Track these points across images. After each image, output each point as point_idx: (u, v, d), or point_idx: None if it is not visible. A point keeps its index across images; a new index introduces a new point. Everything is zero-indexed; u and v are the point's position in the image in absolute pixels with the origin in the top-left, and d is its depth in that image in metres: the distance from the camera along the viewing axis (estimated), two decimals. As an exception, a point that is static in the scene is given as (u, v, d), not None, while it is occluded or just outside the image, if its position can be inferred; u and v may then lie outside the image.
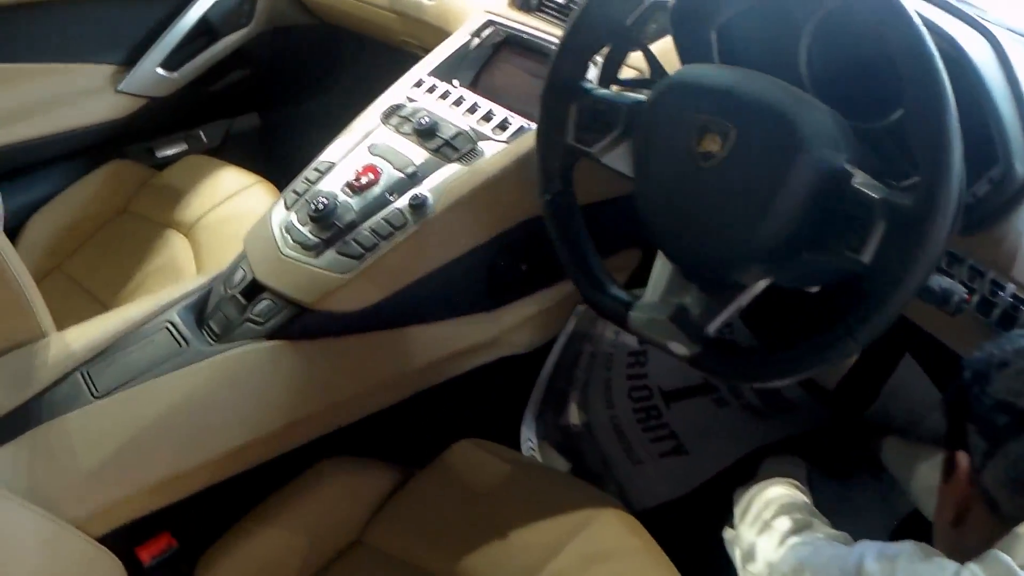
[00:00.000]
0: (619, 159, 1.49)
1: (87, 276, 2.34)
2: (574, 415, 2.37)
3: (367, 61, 3.02)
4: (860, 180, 1.22)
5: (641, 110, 1.45)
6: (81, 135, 2.65)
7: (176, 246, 2.37)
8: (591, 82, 1.55)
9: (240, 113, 3.12)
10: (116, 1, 2.66)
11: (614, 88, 1.58)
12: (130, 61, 2.71)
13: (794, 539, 1.40)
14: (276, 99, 3.10)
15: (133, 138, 2.81)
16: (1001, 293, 1.51)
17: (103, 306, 2.20)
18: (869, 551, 1.21)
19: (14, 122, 2.44)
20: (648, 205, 1.44)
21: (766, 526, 1.50)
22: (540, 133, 1.59)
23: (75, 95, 2.60)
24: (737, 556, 1.52)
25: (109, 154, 2.72)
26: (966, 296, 1.38)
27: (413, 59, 2.17)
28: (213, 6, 2.77)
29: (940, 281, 1.35)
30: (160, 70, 2.74)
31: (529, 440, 2.25)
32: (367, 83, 2.23)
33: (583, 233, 1.58)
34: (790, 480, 1.67)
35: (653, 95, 1.42)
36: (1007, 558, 1.02)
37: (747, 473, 1.74)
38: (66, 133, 2.59)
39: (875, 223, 1.19)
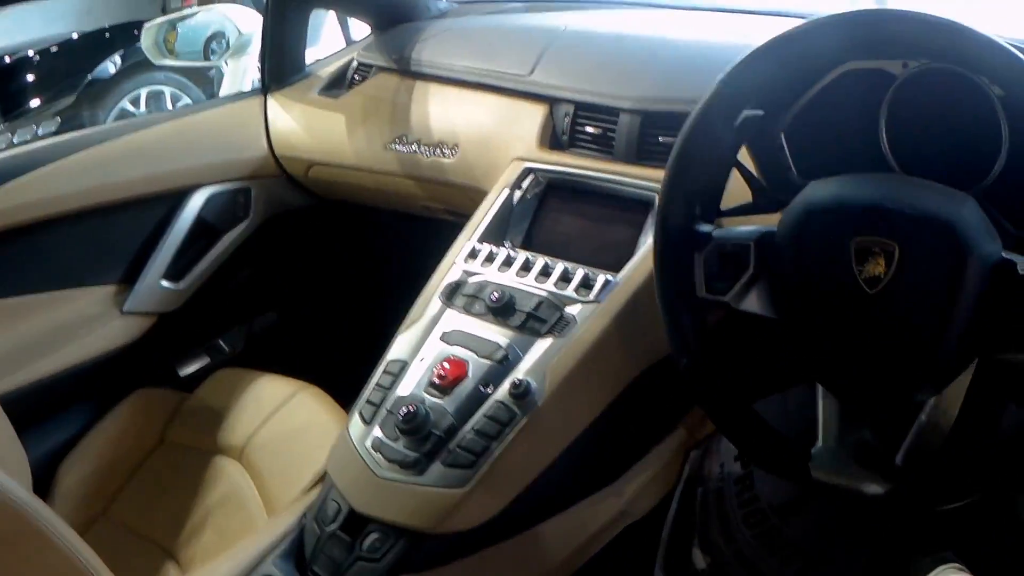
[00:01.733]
0: (757, 302, 1.38)
1: (138, 520, 2.17)
2: (700, 561, 2.23)
3: (380, 234, 2.95)
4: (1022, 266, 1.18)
5: (774, 243, 1.34)
6: (94, 367, 2.50)
7: (231, 473, 2.22)
8: (706, 225, 1.43)
9: (257, 314, 3.02)
10: (103, 215, 2.55)
11: (721, 222, 1.47)
12: (130, 279, 2.60)
13: None
14: (292, 292, 3.01)
15: (150, 361, 2.67)
16: None
17: (163, 550, 2.05)
18: None
19: (18, 364, 2.31)
20: (807, 343, 1.34)
21: None
22: (663, 293, 1.47)
23: (79, 324, 2.47)
24: None
25: (128, 384, 2.55)
26: None
27: (434, 223, 2.14)
28: (207, 204, 2.66)
29: None
30: (164, 282, 2.62)
31: None
32: (385, 257, 2.32)
33: (713, 374, 1.46)
34: (956, 566, 1.60)
35: (790, 225, 1.32)
36: None
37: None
38: (77, 367, 2.44)
39: None
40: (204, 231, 2.65)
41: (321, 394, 2.24)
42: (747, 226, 1.41)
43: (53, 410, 2.40)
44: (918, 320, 1.22)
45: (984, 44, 1.18)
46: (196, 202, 2.60)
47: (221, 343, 2.86)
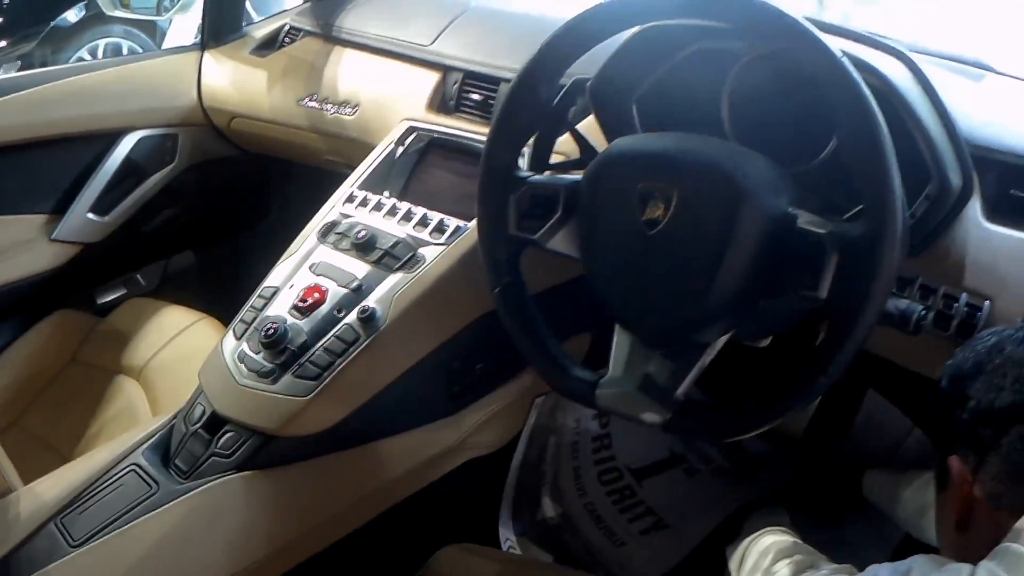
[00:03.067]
0: (563, 242, 1.52)
1: (45, 429, 2.33)
2: (549, 508, 2.37)
3: (294, 185, 3.09)
4: (805, 219, 1.27)
5: (579, 190, 1.48)
6: (19, 288, 2.66)
7: (129, 391, 2.38)
8: (525, 171, 1.59)
9: (175, 252, 3.16)
10: (40, 149, 2.69)
11: (548, 173, 1.63)
12: (60, 209, 2.74)
13: None
14: (209, 234, 3.15)
15: (72, 286, 2.83)
16: (956, 304, 1.58)
17: (64, 458, 2.16)
18: (882, 572, 1.21)
19: None
20: (601, 282, 1.47)
21: (768, 574, 1.52)
22: (482, 228, 1.61)
23: (8, 248, 2.62)
24: None
25: (50, 305, 2.73)
26: (923, 312, 1.42)
27: (340, 177, 2.22)
28: (136, 146, 2.81)
29: (896, 303, 1.39)
30: (91, 215, 2.77)
31: (508, 539, 2.25)
32: (297, 207, 2.32)
33: (539, 320, 1.59)
34: (779, 528, 1.69)
35: (589, 172, 1.46)
36: (1019, 547, 1.05)
37: (732, 534, 1.75)
38: (5, 286, 2.60)
39: (827, 258, 1.23)
40: (132, 171, 2.80)
41: (217, 324, 2.41)
42: (565, 175, 1.56)
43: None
44: (692, 262, 1.34)
45: (809, 42, 1.28)
46: (127, 144, 2.76)
47: (139, 277, 3.00)
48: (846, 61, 1.25)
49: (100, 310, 2.82)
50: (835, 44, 1.26)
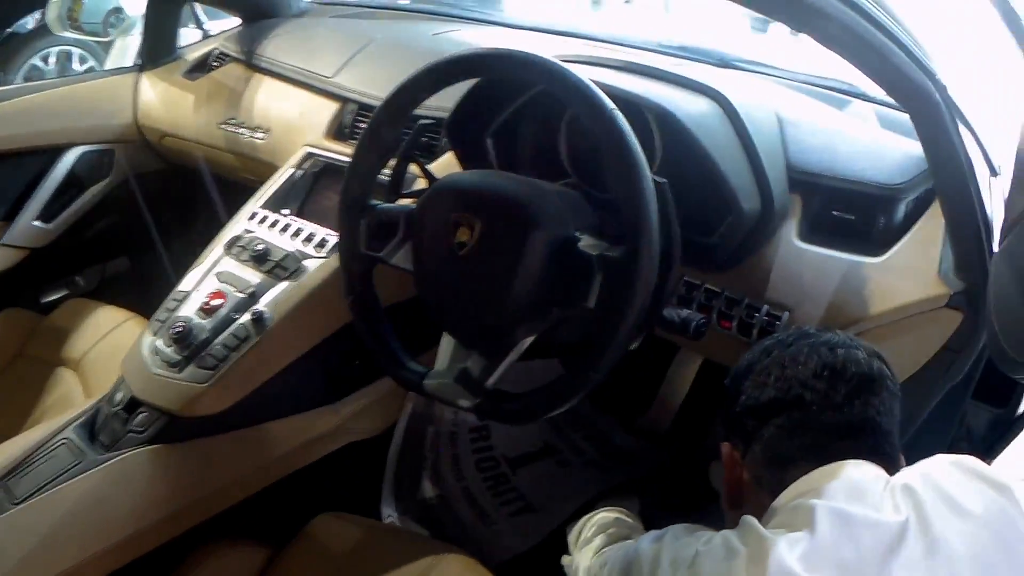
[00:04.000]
0: (403, 260, 1.82)
1: None
2: (428, 489, 2.67)
3: (219, 198, 3.32)
4: (584, 243, 1.53)
5: (413, 216, 1.78)
6: None
7: (67, 381, 2.67)
8: (375, 199, 1.88)
9: (112, 257, 3.48)
10: None
11: (402, 201, 1.91)
12: (8, 217, 3.05)
13: (607, 548, 1.63)
14: (142, 241, 3.41)
15: (19, 287, 3.13)
16: (757, 314, 1.87)
17: (7, 438, 2.43)
18: (646, 537, 1.46)
19: None
20: (426, 292, 1.77)
21: (587, 543, 1.75)
22: (340, 246, 1.91)
23: None
24: None
25: (1, 302, 3.02)
26: (703, 320, 1.70)
27: (252, 190, 2.53)
28: (78, 160, 3.14)
29: (679, 312, 1.69)
30: (37, 222, 3.09)
31: (390, 516, 2.56)
32: (216, 219, 2.59)
33: (384, 323, 1.89)
34: (617, 508, 1.92)
35: (419, 202, 1.76)
36: (753, 520, 1.29)
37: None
38: None
39: (595, 275, 1.50)
40: (74, 183, 3.15)
41: (144, 321, 2.68)
42: (405, 203, 1.86)
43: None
44: (492, 278, 1.60)
45: (570, 86, 1.53)
46: (69, 158, 3.12)
47: (79, 279, 3.33)
48: (614, 112, 1.49)
49: (44, 308, 3.10)
50: (599, 92, 1.51)
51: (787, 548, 1.18)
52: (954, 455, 1.34)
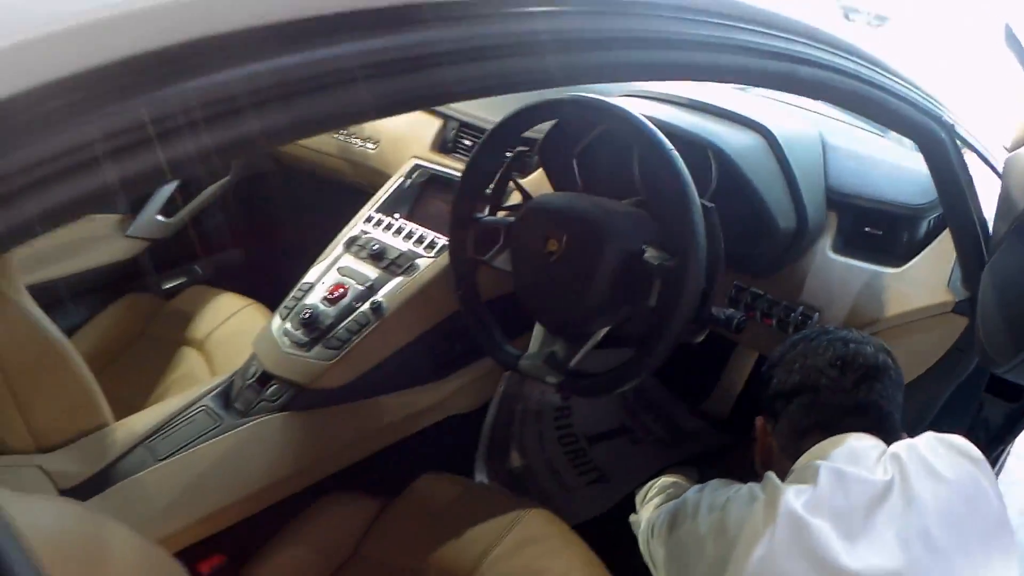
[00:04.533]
0: (503, 262, 2.20)
1: (121, 391, 2.73)
2: (515, 459, 3.00)
3: (325, 199, 3.68)
4: (647, 254, 1.87)
5: (512, 228, 2.16)
6: (98, 274, 3.29)
7: (191, 359, 2.98)
8: (481, 213, 2.27)
9: (226, 249, 3.81)
10: None
11: (500, 214, 2.29)
12: (134, 210, 3.39)
13: (665, 504, 1.88)
14: (255, 236, 3.78)
15: (142, 274, 3.47)
16: (792, 314, 2.24)
17: (137, 410, 2.57)
18: (692, 489, 1.81)
19: (43, 265, 3.01)
20: (522, 290, 2.13)
21: (649, 501, 2.08)
22: (451, 251, 2.31)
23: (90, 241, 3.26)
24: (637, 532, 2.00)
25: (124, 288, 3.34)
26: (744, 317, 2.01)
27: (362, 195, 2.88)
28: None
29: (724, 311, 2.00)
30: (159, 216, 3.44)
31: (481, 481, 2.90)
32: (326, 218, 2.91)
33: (486, 314, 2.28)
34: (677, 473, 2.25)
35: (517, 217, 2.13)
36: (773, 475, 1.60)
37: (654, 485, 2.28)
38: (86, 272, 3.20)
39: (655, 280, 1.87)
40: (194, 181, 3.50)
41: (263, 308, 3.07)
42: (506, 216, 2.23)
43: (64, 304, 3.13)
44: (575, 280, 1.96)
45: (631, 125, 1.88)
46: None
47: (196, 267, 3.70)
48: (662, 141, 1.83)
49: (165, 294, 3.45)
50: (656, 133, 1.85)
51: (794, 496, 1.51)
52: (942, 434, 1.66)
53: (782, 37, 1.31)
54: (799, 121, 2.41)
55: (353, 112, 0.86)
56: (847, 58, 1.47)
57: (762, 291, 2.34)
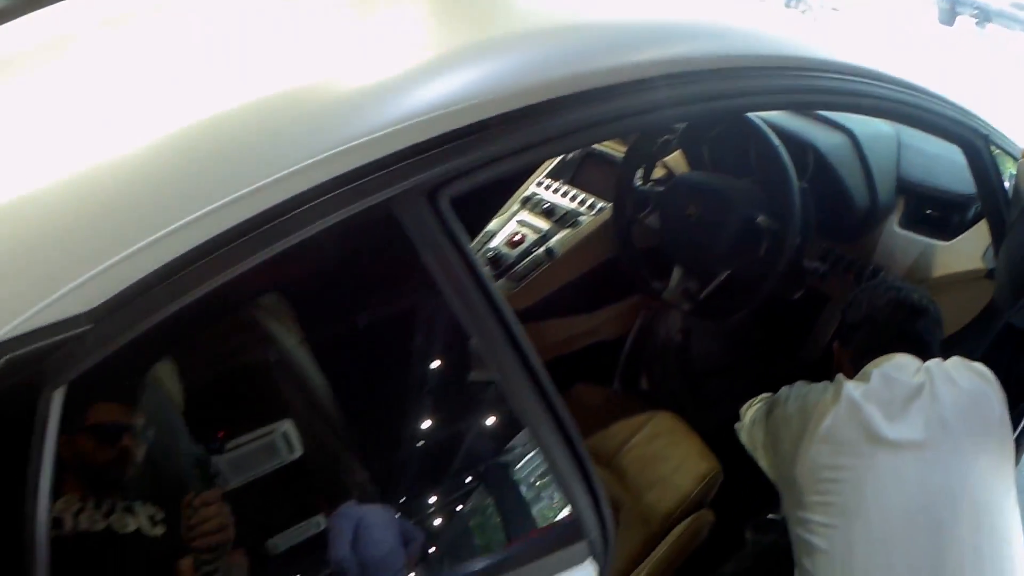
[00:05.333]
0: (654, 222, 2.95)
1: None
2: (643, 383, 3.66)
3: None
4: (760, 220, 2.60)
5: (662, 196, 2.90)
6: None
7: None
8: (638, 182, 3.01)
9: None
10: None
11: (649, 184, 3.03)
12: None
13: (764, 404, 2.41)
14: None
15: None
16: (866, 270, 2.90)
17: None
18: (783, 388, 2.34)
19: None
20: (667, 243, 2.89)
21: (751, 408, 2.52)
22: (614, 211, 3.06)
23: None
24: (741, 434, 2.49)
25: None
26: (826, 270, 2.77)
27: (534, 164, 3.55)
28: None
29: (812, 263, 2.74)
30: None
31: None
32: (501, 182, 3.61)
33: (640, 259, 3.01)
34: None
35: (666, 188, 2.88)
36: (842, 376, 2.20)
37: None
38: None
39: (763, 238, 2.60)
40: None
41: None
42: (655, 187, 2.96)
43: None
44: (707, 235, 2.66)
45: (752, 129, 2.61)
46: None
47: None
48: (772, 140, 2.55)
49: None
50: (767, 128, 2.57)
51: (853, 387, 2.16)
52: (966, 360, 2.26)
53: (862, 81, 2.03)
54: (880, 123, 3.01)
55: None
56: (898, 90, 2.14)
57: (845, 253, 3.00)
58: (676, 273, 2.97)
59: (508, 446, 1.75)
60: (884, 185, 2.92)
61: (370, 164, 1.32)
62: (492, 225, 3.42)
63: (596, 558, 1.58)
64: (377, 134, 1.31)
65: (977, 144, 2.44)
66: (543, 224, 3.34)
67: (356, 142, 1.31)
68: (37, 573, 1.19)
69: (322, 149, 1.29)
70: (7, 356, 1.14)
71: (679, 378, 3.60)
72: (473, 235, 3.39)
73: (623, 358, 3.63)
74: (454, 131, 1.38)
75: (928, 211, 2.99)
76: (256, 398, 1.65)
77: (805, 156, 2.81)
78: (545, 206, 3.38)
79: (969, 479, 2.07)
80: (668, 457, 2.78)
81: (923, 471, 2.06)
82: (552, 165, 3.59)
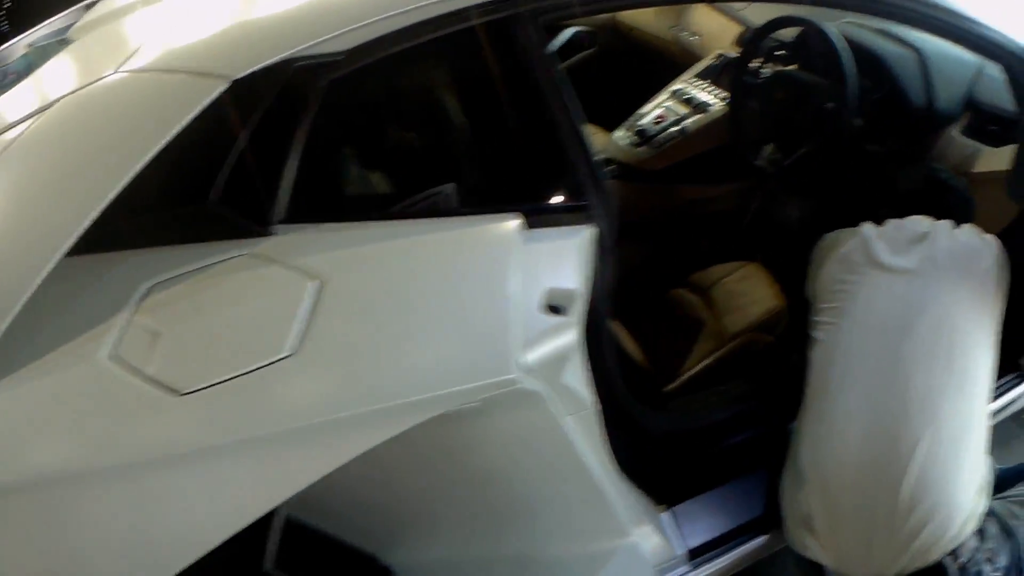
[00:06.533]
0: (755, 106, 3.84)
1: None
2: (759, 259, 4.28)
3: (659, 69, 4.88)
4: (828, 106, 3.36)
5: (760, 86, 3.81)
6: None
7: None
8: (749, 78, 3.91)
9: (585, 95, 4.95)
10: None
11: (754, 78, 3.90)
12: None
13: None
14: (607, 88, 4.72)
15: None
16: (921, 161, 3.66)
17: None
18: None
19: None
20: (764, 122, 3.84)
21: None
22: (730, 100, 3.98)
23: None
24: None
25: None
26: (884, 152, 3.60)
27: (684, 68, 4.53)
28: (572, 35, 5.01)
29: (873, 147, 3.58)
30: None
31: None
32: (660, 82, 4.52)
33: (745, 135, 3.92)
34: None
35: (763, 80, 3.82)
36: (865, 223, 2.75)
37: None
38: None
39: (830, 121, 3.45)
40: (564, 51, 5.09)
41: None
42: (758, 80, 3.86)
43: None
44: (791, 117, 3.62)
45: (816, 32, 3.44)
46: (566, 34, 5.02)
47: None
48: (844, 48, 3.34)
49: None
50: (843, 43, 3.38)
51: (870, 228, 2.70)
52: (977, 228, 2.71)
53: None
54: (960, 51, 3.33)
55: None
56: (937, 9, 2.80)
57: (905, 147, 3.71)
58: (768, 148, 3.82)
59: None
60: (946, 96, 3.54)
61: None
62: (644, 108, 4.31)
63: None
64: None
65: (1012, 60, 2.96)
66: (683, 110, 4.18)
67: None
68: None
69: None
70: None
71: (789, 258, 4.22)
72: (613, 115, 4.33)
73: (743, 231, 4.28)
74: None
75: (991, 127, 3.53)
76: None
77: (871, 62, 3.55)
78: (686, 97, 4.23)
79: (941, 300, 2.51)
80: (748, 293, 3.54)
81: (906, 290, 2.54)
82: (698, 70, 4.45)
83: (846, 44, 3.38)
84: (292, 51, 1.97)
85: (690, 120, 4.11)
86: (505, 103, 2.30)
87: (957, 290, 2.54)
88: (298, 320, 1.79)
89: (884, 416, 2.41)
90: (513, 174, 2.33)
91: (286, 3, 2.18)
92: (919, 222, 2.73)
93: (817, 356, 2.65)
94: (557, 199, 2.35)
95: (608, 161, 4.04)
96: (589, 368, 2.29)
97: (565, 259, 2.16)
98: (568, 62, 4.97)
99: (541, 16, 2.18)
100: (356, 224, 2.02)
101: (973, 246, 2.66)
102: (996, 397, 3.17)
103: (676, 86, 4.39)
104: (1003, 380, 3.23)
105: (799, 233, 3.34)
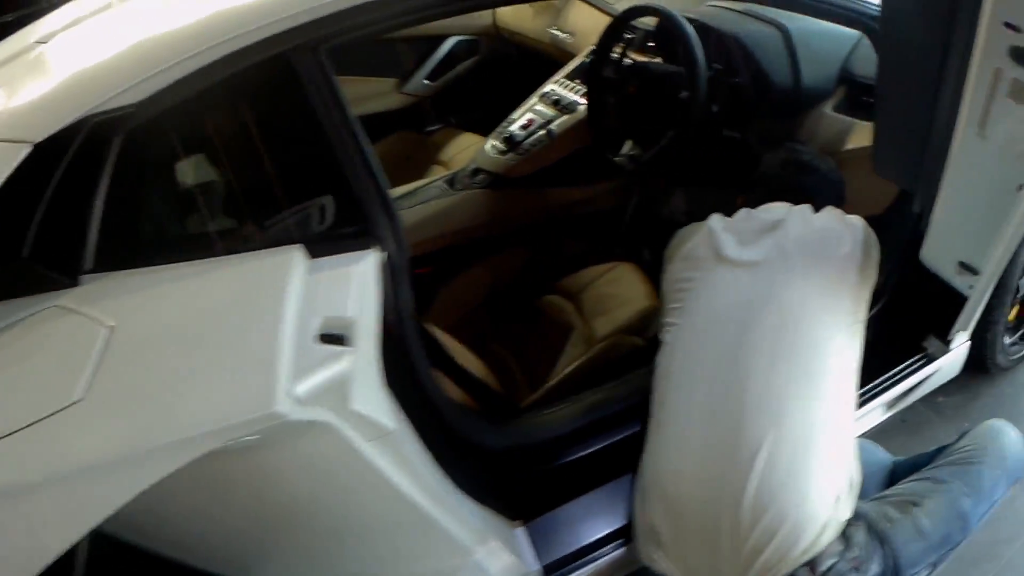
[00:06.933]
0: (612, 102, 3.77)
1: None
2: (646, 254, 4.06)
3: (538, 71, 4.70)
4: (682, 95, 3.34)
5: (613, 80, 3.71)
6: (378, 118, 4.84)
7: (437, 170, 4.49)
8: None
9: (471, 107, 5.30)
10: (405, 43, 4.91)
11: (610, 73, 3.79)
12: (406, 75, 4.99)
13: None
14: (491, 96, 5.12)
15: (410, 120, 5.02)
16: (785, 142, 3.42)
17: None
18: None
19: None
20: (619, 118, 3.77)
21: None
22: (588, 97, 3.88)
23: (376, 96, 4.89)
24: None
25: (396, 128, 4.89)
26: (739, 137, 3.56)
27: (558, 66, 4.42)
28: (455, 45, 5.07)
29: (731, 133, 3.53)
30: (425, 80, 5.03)
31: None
32: (536, 81, 4.44)
33: (603, 133, 3.85)
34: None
35: (616, 73, 3.70)
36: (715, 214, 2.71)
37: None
38: (368, 116, 4.54)
39: (678, 108, 3.37)
40: (451, 60, 5.14)
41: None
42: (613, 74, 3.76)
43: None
44: (645, 110, 3.56)
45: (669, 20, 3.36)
46: (449, 44, 5.08)
47: (451, 118, 5.38)
48: (685, 27, 3.26)
49: (426, 133, 5.00)
50: (689, 27, 3.28)
51: (717, 220, 2.63)
52: (839, 211, 2.64)
53: None
54: (835, 26, 3.38)
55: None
56: None
57: (770, 128, 3.61)
58: (626, 144, 3.79)
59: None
60: (815, 73, 3.50)
61: None
62: (514, 114, 4.21)
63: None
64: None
65: (871, 28, 3.03)
66: (551, 112, 4.09)
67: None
68: None
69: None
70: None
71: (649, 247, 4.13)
72: (498, 123, 4.23)
73: (623, 229, 4.29)
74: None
75: (866, 99, 3.42)
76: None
77: (726, 44, 3.52)
78: (555, 98, 4.14)
79: (786, 292, 2.38)
80: (619, 295, 3.50)
81: (751, 283, 2.42)
82: (568, 69, 4.35)
83: (692, 29, 3.30)
84: (89, 109, 1.95)
85: (556, 122, 4.05)
86: (288, 136, 2.28)
87: (807, 280, 2.40)
88: (89, 366, 1.79)
89: (723, 421, 2.26)
90: (297, 205, 2.27)
91: (88, 58, 2.15)
92: (773, 210, 2.62)
93: (661, 360, 2.52)
94: (340, 227, 2.31)
95: (476, 171, 4.01)
96: (393, 392, 2.25)
97: (342, 286, 2.13)
98: (450, 73, 5.13)
99: (322, 44, 2.14)
100: (154, 268, 2.02)
101: (830, 231, 2.53)
102: (898, 381, 3.11)
103: (546, 88, 4.30)
104: (908, 363, 3.15)
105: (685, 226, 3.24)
